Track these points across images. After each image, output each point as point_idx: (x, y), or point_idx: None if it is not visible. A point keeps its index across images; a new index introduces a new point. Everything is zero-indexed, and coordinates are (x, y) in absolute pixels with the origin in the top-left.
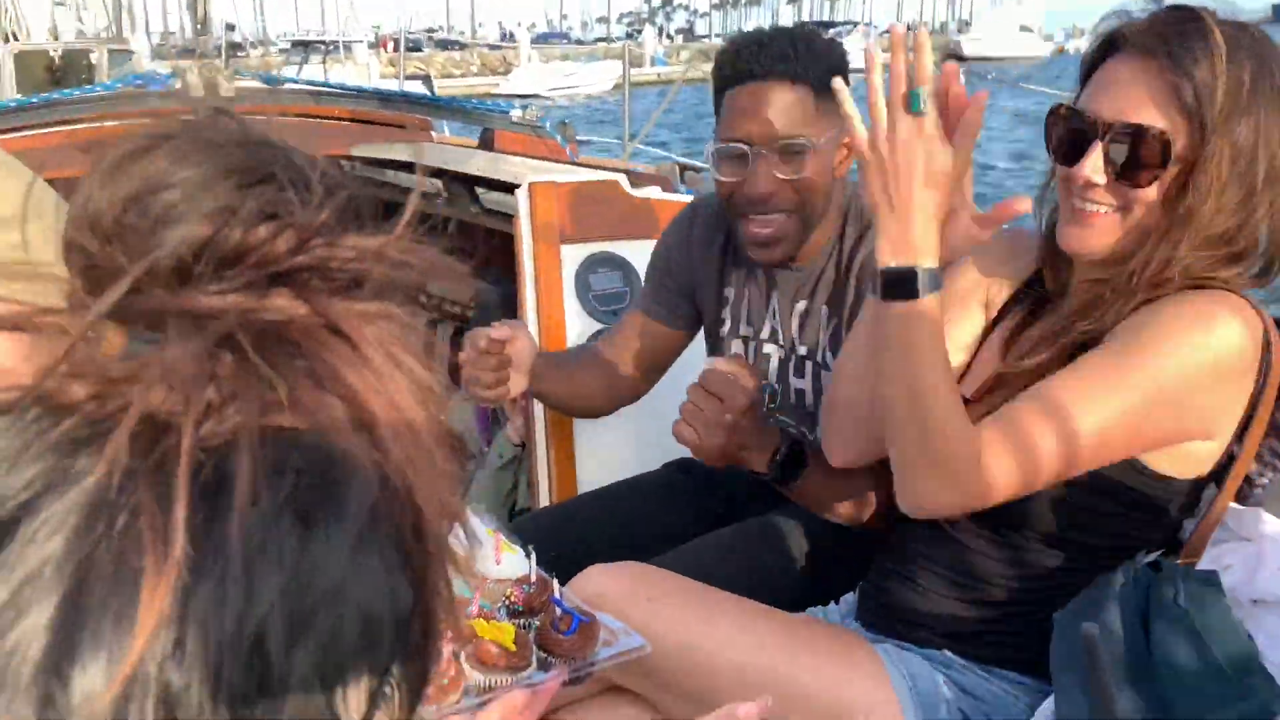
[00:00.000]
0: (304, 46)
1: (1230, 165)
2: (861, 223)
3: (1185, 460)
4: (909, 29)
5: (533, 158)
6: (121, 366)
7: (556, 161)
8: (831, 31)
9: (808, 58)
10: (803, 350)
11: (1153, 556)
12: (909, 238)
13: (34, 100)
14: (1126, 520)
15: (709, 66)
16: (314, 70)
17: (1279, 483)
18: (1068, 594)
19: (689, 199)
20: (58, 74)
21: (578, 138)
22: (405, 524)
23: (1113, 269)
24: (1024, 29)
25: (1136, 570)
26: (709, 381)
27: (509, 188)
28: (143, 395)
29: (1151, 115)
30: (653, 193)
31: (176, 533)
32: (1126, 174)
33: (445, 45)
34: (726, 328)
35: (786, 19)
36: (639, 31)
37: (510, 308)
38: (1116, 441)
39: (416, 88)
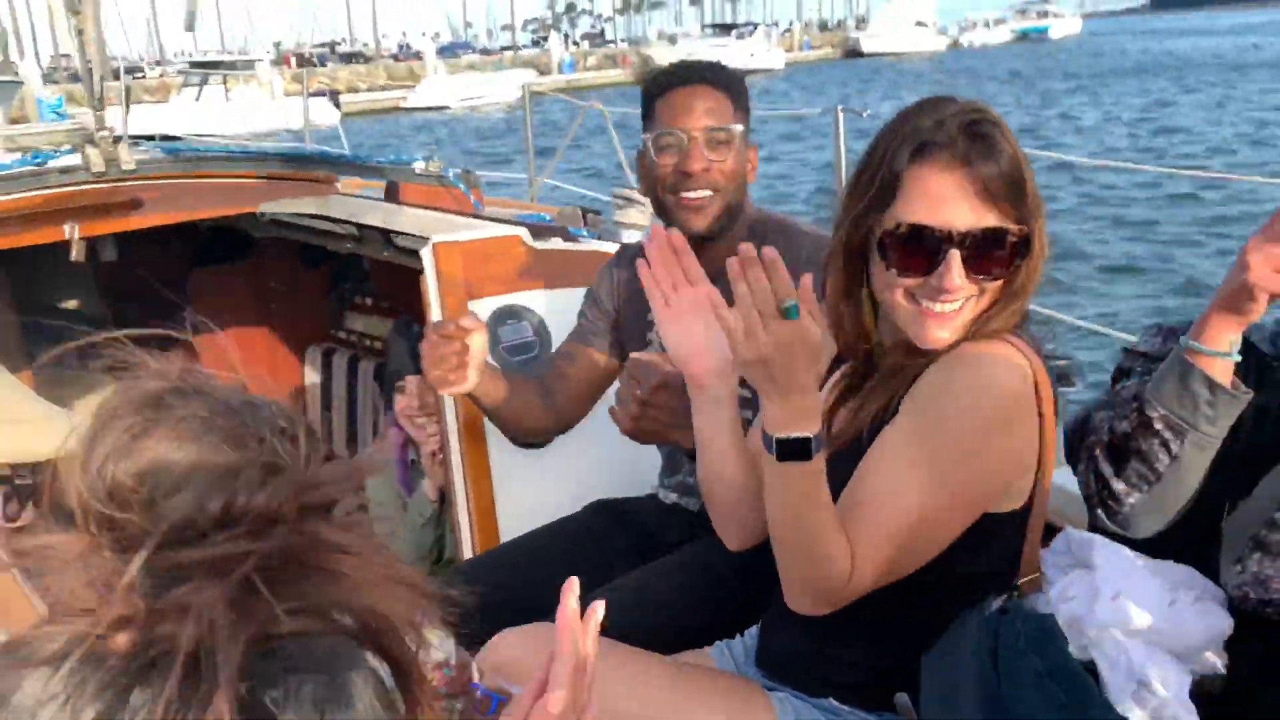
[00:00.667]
0: (203, 68)
1: (1042, 237)
2: (762, 234)
3: (1015, 493)
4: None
5: (436, 209)
6: (155, 613)
7: (459, 214)
8: (734, 32)
9: (724, 73)
10: None
11: (1000, 601)
12: (798, 411)
13: None
14: (971, 559)
15: (616, 72)
16: (215, 91)
17: (1146, 502)
18: (934, 632)
19: (591, 244)
20: None
21: (484, 181)
22: (397, 700)
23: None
24: (919, 24)
25: (986, 615)
26: (629, 366)
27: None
28: (182, 636)
29: (1000, 215)
30: (554, 244)
31: None
32: (987, 271)
33: (349, 59)
34: (652, 348)
35: (690, 20)
36: (544, 39)
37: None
38: (955, 512)
39: (323, 104)
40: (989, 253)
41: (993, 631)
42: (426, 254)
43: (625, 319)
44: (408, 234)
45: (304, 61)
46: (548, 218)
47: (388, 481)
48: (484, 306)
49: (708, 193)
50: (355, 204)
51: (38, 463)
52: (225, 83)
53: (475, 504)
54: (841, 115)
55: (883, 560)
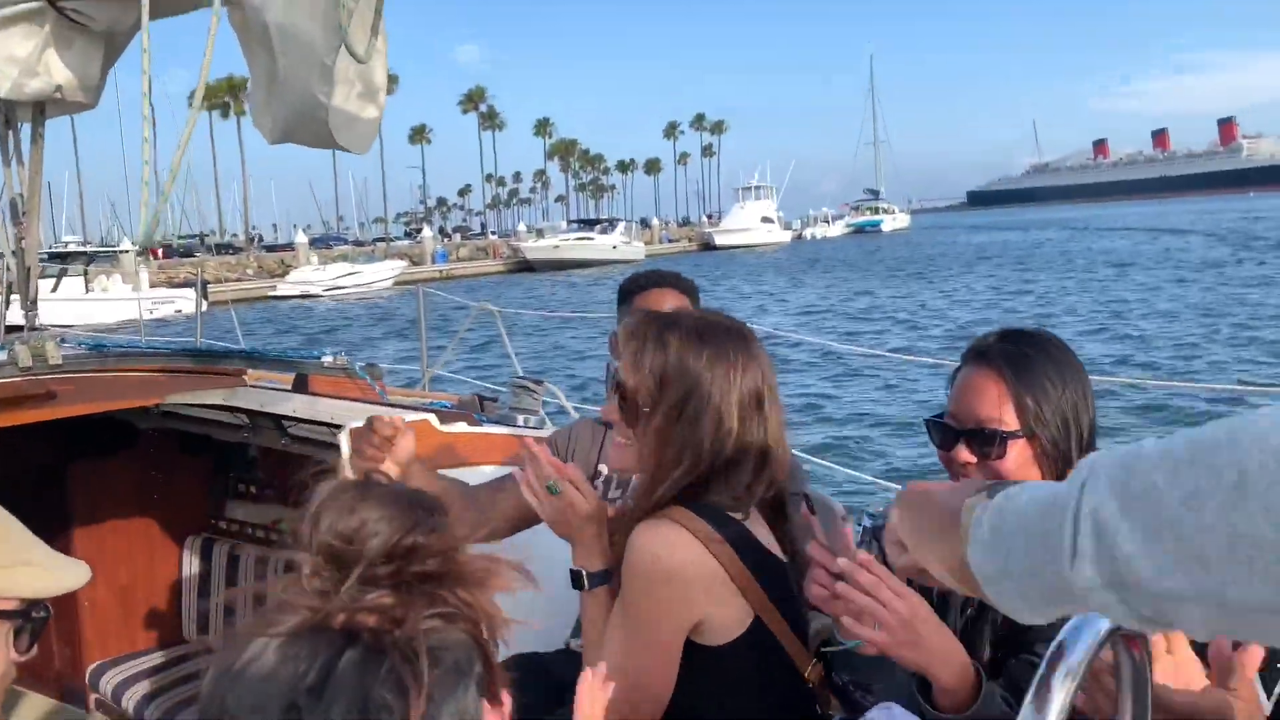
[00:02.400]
0: (61, 258)
1: (661, 430)
2: None
3: (716, 632)
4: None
5: (345, 399)
6: (359, 609)
7: (367, 402)
8: (598, 227)
9: (685, 282)
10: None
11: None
12: (582, 553)
13: None
14: (738, 671)
15: (487, 262)
16: (74, 282)
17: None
18: None
19: (491, 429)
20: None
21: (384, 370)
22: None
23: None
24: (765, 220)
25: None
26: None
27: (323, 424)
28: (373, 622)
29: (636, 379)
30: (459, 427)
31: (422, 681)
32: (621, 415)
33: (220, 249)
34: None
35: (556, 215)
36: (417, 231)
37: None
38: (660, 651)
39: (190, 295)
40: (622, 402)
41: None
42: (343, 438)
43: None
44: (322, 422)
45: (171, 252)
46: (449, 404)
47: None
48: None
49: None
50: (265, 395)
51: (43, 600)
52: (86, 275)
53: None
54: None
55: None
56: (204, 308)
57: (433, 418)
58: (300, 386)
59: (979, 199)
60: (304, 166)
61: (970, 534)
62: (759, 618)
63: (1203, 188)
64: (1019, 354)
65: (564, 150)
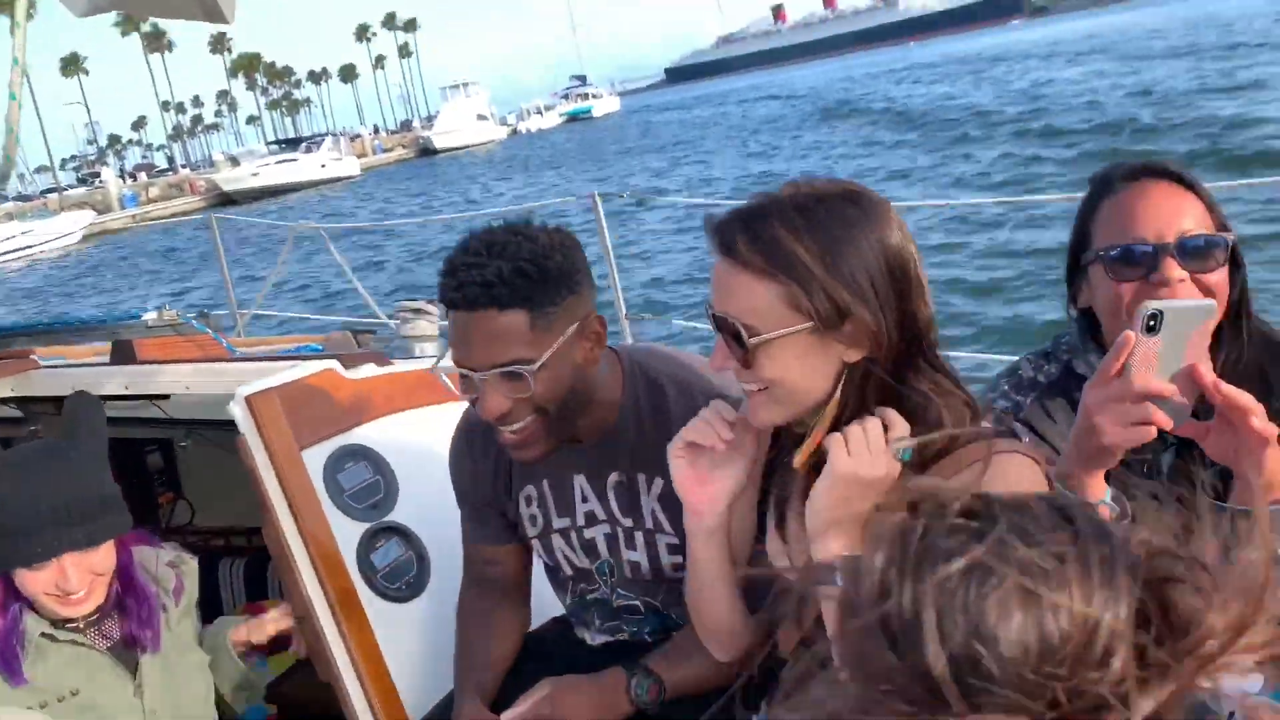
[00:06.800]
0: None
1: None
2: (652, 382)
3: None
4: None
5: (188, 362)
6: None
7: (214, 360)
8: (303, 145)
9: (515, 281)
10: (628, 523)
11: None
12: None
13: None
14: None
15: (184, 200)
16: None
17: None
18: None
19: (403, 365)
20: None
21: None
22: None
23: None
24: (481, 117)
25: None
26: None
27: (154, 397)
28: None
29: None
30: (368, 370)
31: None
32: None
33: None
34: (536, 530)
35: (252, 139)
36: (94, 175)
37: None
38: None
39: None
40: (734, 339)
41: None
42: (238, 411)
43: (499, 494)
44: (202, 395)
45: None
46: (318, 347)
47: None
48: (317, 455)
49: (522, 424)
50: (73, 375)
51: None
52: None
53: (373, 688)
54: (599, 200)
55: None
56: None
57: (335, 364)
58: (124, 356)
59: (677, 74)
60: None
61: None
62: None
63: (869, 41)
64: (1179, 171)
65: (248, 66)
